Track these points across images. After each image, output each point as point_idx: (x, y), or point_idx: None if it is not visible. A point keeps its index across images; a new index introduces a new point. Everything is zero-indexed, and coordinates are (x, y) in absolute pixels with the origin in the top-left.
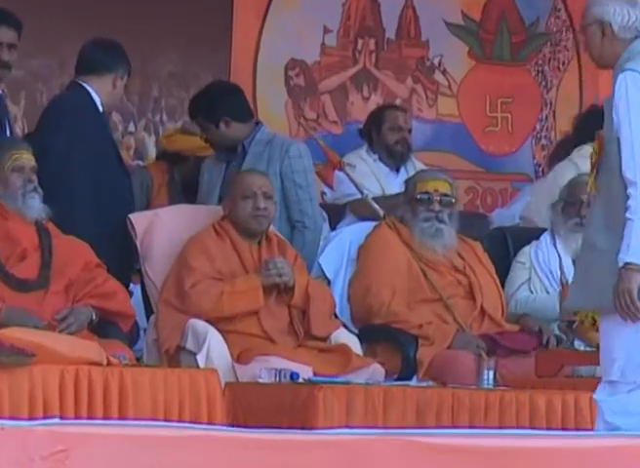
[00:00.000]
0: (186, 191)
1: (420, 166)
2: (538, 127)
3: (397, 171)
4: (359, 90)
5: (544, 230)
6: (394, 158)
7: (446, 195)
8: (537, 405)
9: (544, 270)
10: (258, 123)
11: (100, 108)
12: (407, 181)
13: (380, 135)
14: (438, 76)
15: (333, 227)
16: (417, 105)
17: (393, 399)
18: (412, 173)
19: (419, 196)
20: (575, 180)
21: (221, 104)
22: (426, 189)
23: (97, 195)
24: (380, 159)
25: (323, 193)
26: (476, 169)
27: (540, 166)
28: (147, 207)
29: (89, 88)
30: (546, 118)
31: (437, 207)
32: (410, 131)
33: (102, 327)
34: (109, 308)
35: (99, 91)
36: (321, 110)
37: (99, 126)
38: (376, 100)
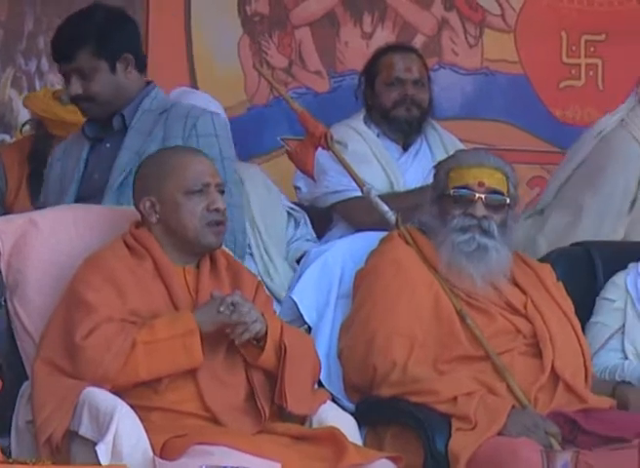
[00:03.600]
0: None
1: (452, 142)
2: None
3: (405, 149)
4: (357, 21)
5: None
6: (398, 131)
7: (496, 192)
8: None
9: None
10: (149, 82)
11: None
12: (437, 167)
13: (375, 94)
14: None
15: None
16: (450, 46)
17: None
18: (439, 152)
19: (452, 192)
20: None
21: (124, 33)
22: (465, 181)
23: None
24: (385, 133)
25: (296, 188)
26: (546, 147)
27: None
28: (5, 212)
29: None
30: None
31: (481, 210)
32: (422, 83)
33: None
34: None
35: None
36: (296, 54)
37: None
38: (383, 38)
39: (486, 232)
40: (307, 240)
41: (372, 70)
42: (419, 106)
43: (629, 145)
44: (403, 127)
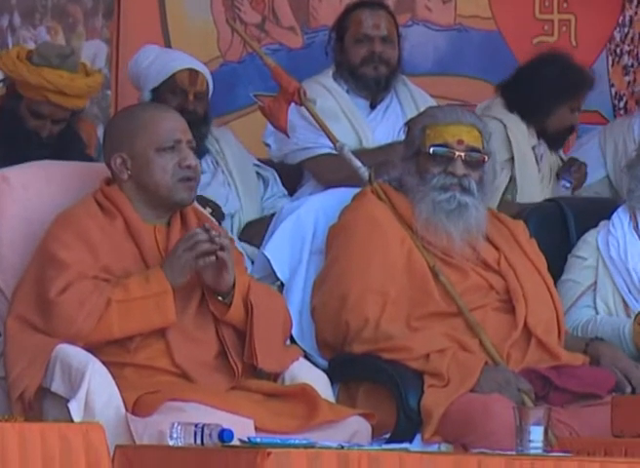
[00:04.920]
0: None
1: (423, 98)
2: (617, 36)
3: (373, 107)
4: None
5: (618, 205)
6: (366, 88)
7: (474, 150)
8: None
9: (620, 270)
10: None
11: None
12: (409, 123)
13: (344, 50)
14: None
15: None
16: (423, 2)
17: None
18: (410, 109)
19: (431, 150)
20: None
21: None
22: (444, 139)
23: None
24: (354, 90)
25: (266, 145)
26: None
27: (621, 98)
28: None
29: None
30: (631, 22)
31: (461, 168)
32: (390, 40)
33: None
34: None
35: None
36: (269, 10)
37: None
38: None
39: (466, 190)
40: (281, 197)
41: (341, 26)
42: (387, 64)
43: (493, 124)
44: (370, 85)
